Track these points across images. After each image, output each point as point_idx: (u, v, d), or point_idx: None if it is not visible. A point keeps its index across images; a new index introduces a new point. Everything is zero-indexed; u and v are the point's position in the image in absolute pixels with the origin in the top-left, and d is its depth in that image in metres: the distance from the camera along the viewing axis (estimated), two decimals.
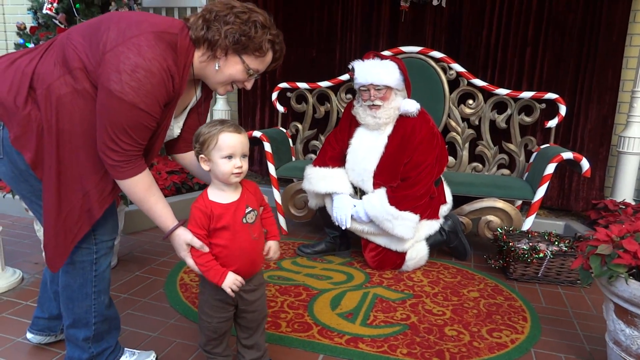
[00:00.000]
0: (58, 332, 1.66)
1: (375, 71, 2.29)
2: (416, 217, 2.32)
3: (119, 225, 2.39)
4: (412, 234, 2.34)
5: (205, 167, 1.31)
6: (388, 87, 2.31)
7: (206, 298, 1.39)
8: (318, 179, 2.48)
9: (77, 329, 1.44)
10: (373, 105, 2.33)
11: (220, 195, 1.33)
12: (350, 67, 2.43)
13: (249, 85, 1.38)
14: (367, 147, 2.39)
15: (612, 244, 1.51)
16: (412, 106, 2.34)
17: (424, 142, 2.33)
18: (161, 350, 1.68)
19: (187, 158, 1.53)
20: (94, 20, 1.27)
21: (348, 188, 2.44)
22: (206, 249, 1.30)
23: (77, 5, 3.27)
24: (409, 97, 2.42)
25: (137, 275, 2.31)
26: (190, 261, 1.31)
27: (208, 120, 1.39)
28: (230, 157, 1.27)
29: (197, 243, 1.29)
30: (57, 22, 3.26)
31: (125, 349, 1.57)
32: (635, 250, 1.43)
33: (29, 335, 1.67)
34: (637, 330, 1.45)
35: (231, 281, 1.30)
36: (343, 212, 2.37)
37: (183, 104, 1.42)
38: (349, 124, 2.50)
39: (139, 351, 1.59)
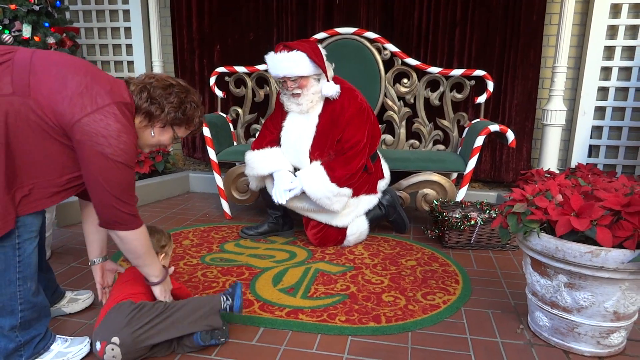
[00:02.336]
0: None
1: (284, 65, 2.30)
2: (350, 191, 2.40)
3: (50, 217, 2.31)
4: (343, 206, 2.42)
5: (164, 261, 1.69)
6: (302, 77, 2.33)
7: (144, 308, 1.49)
8: (258, 162, 2.49)
9: (2, 317, 1.38)
10: (293, 94, 2.36)
11: None
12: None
13: (170, 148, 1.69)
14: (299, 128, 2.43)
15: (526, 202, 1.63)
16: (331, 90, 2.36)
17: (354, 117, 2.38)
18: None
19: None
20: (66, 65, 1.33)
21: (287, 164, 2.46)
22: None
23: None
24: (328, 79, 2.39)
25: (72, 267, 2.24)
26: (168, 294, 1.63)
27: None
28: None
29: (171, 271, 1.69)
30: None
31: (57, 336, 1.53)
32: (545, 206, 1.55)
33: None
34: (550, 280, 1.57)
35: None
36: (278, 188, 2.40)
37: None
38: (282, 108, 2.52)
39: (72, 338, 1.55)
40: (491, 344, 1.64)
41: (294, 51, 2.29)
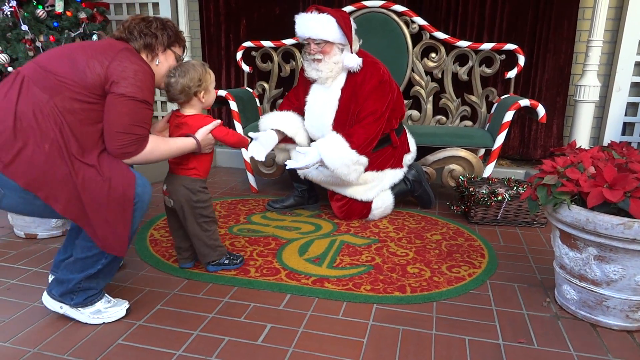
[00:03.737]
0: None
1: (311, 25, 2.27)
2: (367, 160, 2.35)
3: None
4: (358, 177, 2.39)
5: (204, 96, 1.75)
6: (327, 42, 2.30)
7: (207, 215, 1.85)
8: (264, 122, 2.50)
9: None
10: (314, 59, 2.35)
11: None
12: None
13: None
14: (322, 102, 2.42)
15: (557, 174, 1.60)
16: (352, 61, 2.32)
17: (374, 90, 2.33)
18: (133, 296, 1.73)
19: None
20: (66, 53, 1.45)
21: (284, 128, 2.44)
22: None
23: None
24: (351, 51, 2.36)
25: None
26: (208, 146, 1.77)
27: None
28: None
29: (216, 122, 1.76)
30: None
31: (105, 295, 1.62)
32: (577, 178, 1.53)
33: (52, 278, 1.80)
34: (579, 252, 1.56)
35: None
36: (254, 148, 2.38)
37: None
38: (306, 82, 2.51)
39: (116, 300, 1.63)
40: (517, 315, 1.64)
41: (325, 14, 2.28)
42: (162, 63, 1.64)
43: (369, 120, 2.32)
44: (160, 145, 1.57)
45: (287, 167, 2.31)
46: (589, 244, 1.51)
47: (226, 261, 1.95)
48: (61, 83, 1.39)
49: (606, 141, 3.28)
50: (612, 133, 3.30)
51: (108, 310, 1.59)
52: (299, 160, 2.31)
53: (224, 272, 1.92)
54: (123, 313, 1.61)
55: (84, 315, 1.56)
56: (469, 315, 1.64)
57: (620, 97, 3.24)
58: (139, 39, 1.57)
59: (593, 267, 1.53)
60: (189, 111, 1.77)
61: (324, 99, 2.42)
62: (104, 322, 1.57)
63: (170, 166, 1.84)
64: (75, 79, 1.40)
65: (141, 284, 1.83)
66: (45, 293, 1.58)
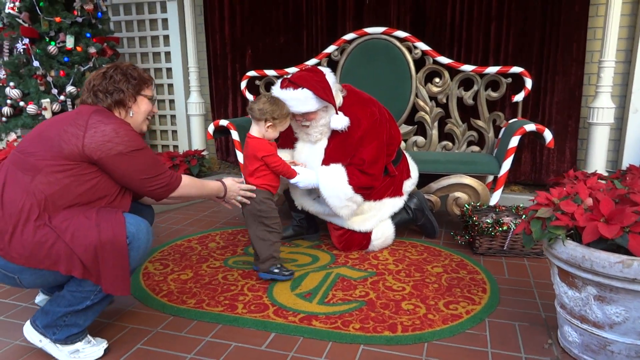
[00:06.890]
0: None
1: (290, 103, 2.20)
2: (362, 199, 2.33)
3: None
4: (350, 214, 2.35)
5: (269, 129, 2.08)
6: (309, 112, 2.24)
7: (268, 225, 2.08)
8: None
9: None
10: (303, 125, 2.32)
11: None
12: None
13: (156, 109, 1.76)
14: (310, 152, 2.38)
15: (552, 207, 1.50)
16: (339, 123, 2.26)
17: (368, 132, 2.27)
18: (115, 334, 1.69)
19: None
20: (39, 133, 1.50)
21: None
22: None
23: (41, 4, 3.27)
24: (336, 112, 2.28)
25: None
26: (241, 192, 2.02)
27: None
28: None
29: (250, 187, 2.07)
30: (20, 20, 3.26)
31: (88, 335, 1.59)
32: (572, 211, 1.42)
33: (39, 299, 1.89)
34: (578, 292, 1.44)
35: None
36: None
37: None
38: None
39: (95, 339, 1.60)
40: (514, 359, 1.53)
41: (300, 89, 2.18)
42: (136, 112, 1.65)
43: (367, 165, 2.27)
44: (195, 182, 1.77)
45: (290, 182, 2.29)
46: (587, 282, 1.40)
47: (276, 270, 2.07)
48: (39, 161, 1.44)
49: (625, 164, 3.12)
50: (631, 156, 3.14)
51: (86, 350, 1.55)
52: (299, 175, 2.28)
53: (210, 308, 1.87)
54: (100, 353, 1.57)
55: (62, 353, 1.53)
56: (461, 359, 1.53)
57: (637, 119, 3.09)
58: (107, 99, 1.58)
59: (594, 307, 1.41)
60: (252, 130, 2.11)
61: (311, 149, 2.38)
62: None
63: (245, 178, 2.13)
64: (53, 154, 1.44)
65: (125, 321, 1.80)
66: (28, 323, 1.56)
